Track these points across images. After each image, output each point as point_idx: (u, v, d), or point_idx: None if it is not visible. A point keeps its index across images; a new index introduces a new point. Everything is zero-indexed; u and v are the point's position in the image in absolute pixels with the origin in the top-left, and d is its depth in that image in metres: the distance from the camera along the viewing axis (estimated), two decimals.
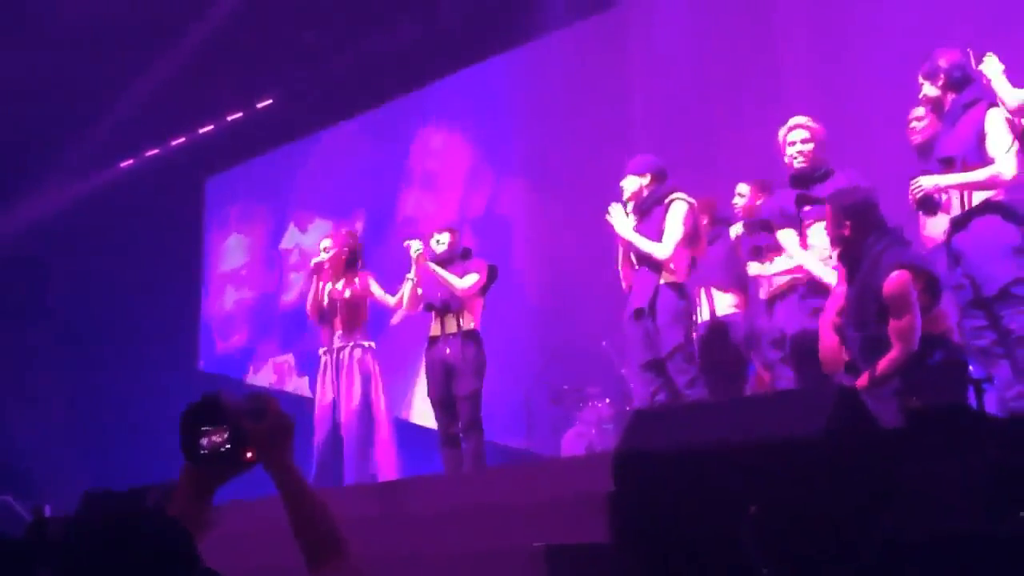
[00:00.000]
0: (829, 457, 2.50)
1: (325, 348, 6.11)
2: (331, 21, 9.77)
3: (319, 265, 6.11)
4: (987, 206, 4.26)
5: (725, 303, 5.78)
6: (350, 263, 6.11)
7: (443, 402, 5.82)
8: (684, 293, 5.14)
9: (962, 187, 4.30)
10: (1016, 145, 4.22)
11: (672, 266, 5.10)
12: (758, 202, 5.82)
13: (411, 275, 5.87)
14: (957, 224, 4.34)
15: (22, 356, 11.25)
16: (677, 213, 5.13)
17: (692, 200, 5.22)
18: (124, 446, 10.31)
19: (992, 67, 4.31)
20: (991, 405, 3.92)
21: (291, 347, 10.82)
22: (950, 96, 4.42)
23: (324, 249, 6.18)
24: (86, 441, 10.89)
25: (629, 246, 5.22)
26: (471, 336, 5.80)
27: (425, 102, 10.24)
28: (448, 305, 5.83)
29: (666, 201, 5.17)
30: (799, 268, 4.94)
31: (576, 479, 4.01)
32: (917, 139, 4.93)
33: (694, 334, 5.51)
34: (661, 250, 5.09)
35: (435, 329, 5.89)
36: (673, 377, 5.00)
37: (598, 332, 7.36)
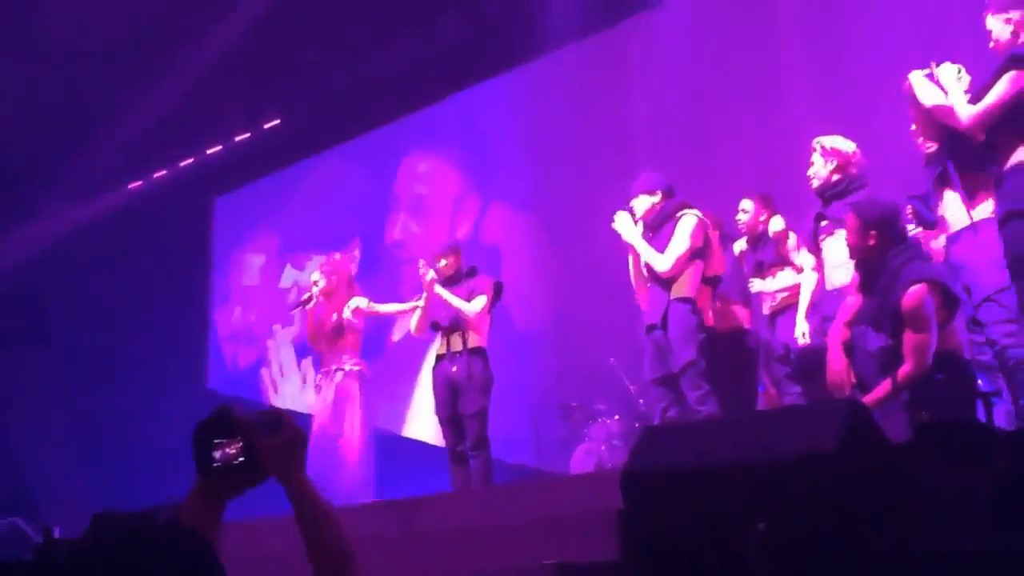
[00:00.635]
0: (838, 473, 2.50)
1: (319, 373, 6.27)
2: (333, 42, 9.82)
3: (309, 299, 6.25)
4: (986, 221, 4.25)
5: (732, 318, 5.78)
6: (339, 289, 6.21)
7: (450, 420, 5.81)
8: (695, 308, 5.14)
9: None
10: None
11: (681, 281, 5.11)
12: (761, 218, 5.85)
13: (420, 301, 5.90)
14: (953, 240, 4.34)
15: (31, 378, 11.27)
16: (685, 227, 5.15)
17: (702, 216, 5.24)
18: (133, 468, 10.31)
19: (945, 77, 4.24)
20: (1000, 419, 3.90)
21: (299, 368, 10.82)
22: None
23: (314, 283, 6.29)
24: (95, 463, 10.89)
25: (636, 256, 5.24)
26: (477, 353, 5.80)
27: (416, 127, 10.26)
28: (454, 323, 5.84)
29: (677, 216, 5.19)
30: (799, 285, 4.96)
31: (585, 496, 4.01)
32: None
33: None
34: (662, 262, 5.10)
35: (441, 347, 5.90)
36: (685, 393, 5.00)
37: (606, 348, 7.35)
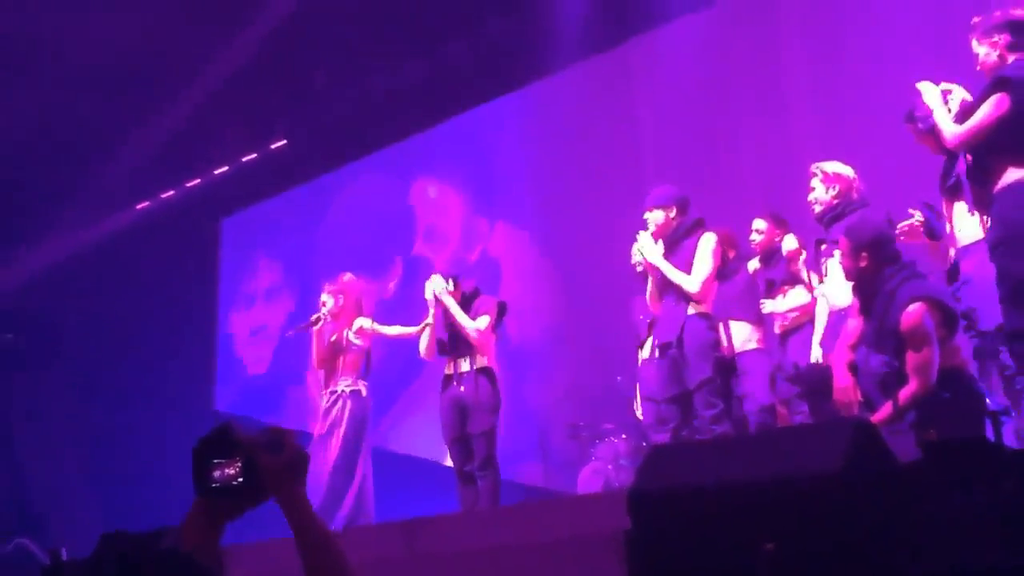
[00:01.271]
0: (846, 492, 2.48)
1: (322, 394, 6.27)
2: (339, 64, 9.87)
3: (317, 320, 6.22)
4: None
5: (743, 338, 5.78)
6: (347, 310, 6.20)
7: (458, 440, 5.80)
8: (712, 325, 5.16)
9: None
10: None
11: (701, 298, 5.13)
12: (776, 238, 5.87)
13: (429, 319, 5.90)
14: (963, 254, 4.33)
15: (39, 398, 11.28)
16: (707, 247, 5.18)
17: (717, 235, 5.29)
18: (140, 489, 10.29)
19: (930, 97, 4.28)
20: (1008, 437, 3.88)
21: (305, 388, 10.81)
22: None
23: (323, 303, 6.27)
24: (102, 484, 10.88)
25: (659, 275, 5.25)
26: (485, 373, 5.79)
27: (423, 147, 10.28)
28: (461, 345, 5.83)
29: (695, 234, 5.23)
30: (811, 304, 4.95)
31: (593, 516, 3.99)
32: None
33: None
34: (691, 283, 5.13)
35: (448, 368, 5.89)
36: (699, 411, 4.98)
37: (614, 367, 7.34)
